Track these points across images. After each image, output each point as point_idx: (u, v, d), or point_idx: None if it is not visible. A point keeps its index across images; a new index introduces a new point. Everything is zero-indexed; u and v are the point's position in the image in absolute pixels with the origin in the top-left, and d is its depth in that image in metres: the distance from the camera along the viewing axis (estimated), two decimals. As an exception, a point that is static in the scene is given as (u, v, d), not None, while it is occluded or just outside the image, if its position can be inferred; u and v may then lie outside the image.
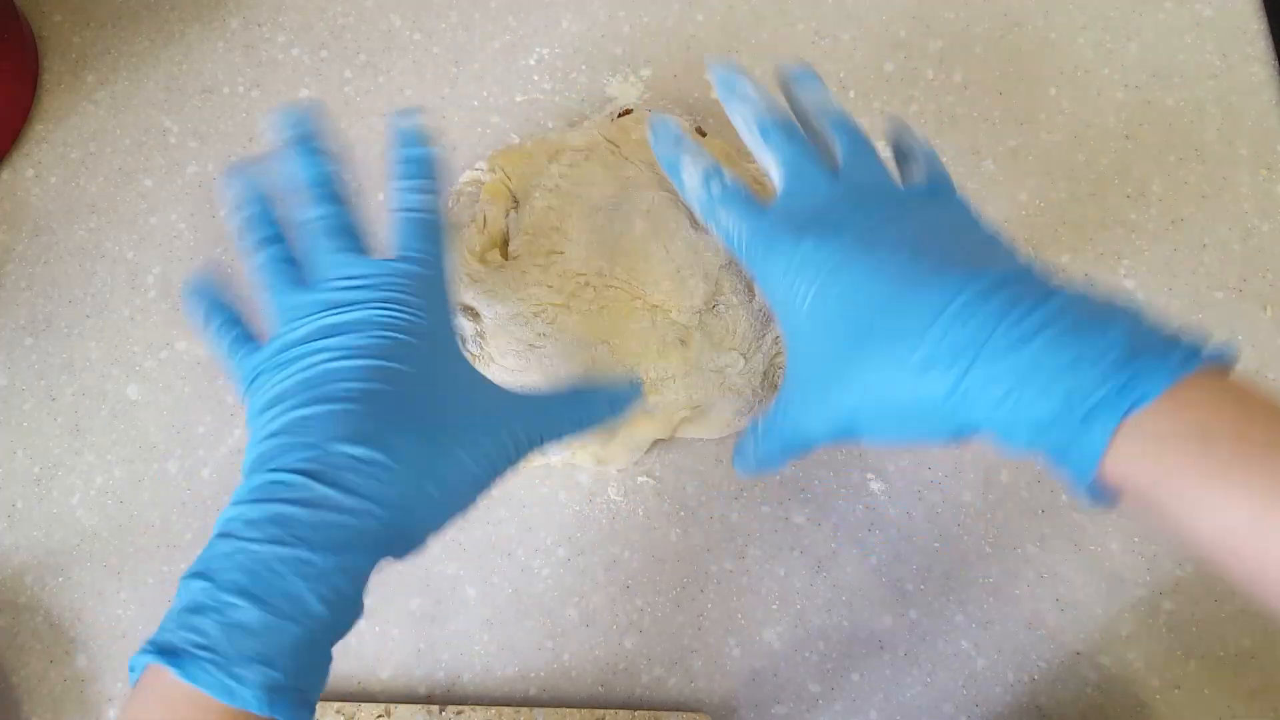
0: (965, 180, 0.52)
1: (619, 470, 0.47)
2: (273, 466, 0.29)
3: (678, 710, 0.45)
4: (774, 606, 0.46)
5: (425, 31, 0.56)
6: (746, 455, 0.37)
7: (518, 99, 0.55)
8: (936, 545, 0.47)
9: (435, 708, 0.44)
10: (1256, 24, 0.55)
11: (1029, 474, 0.47)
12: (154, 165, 0.54)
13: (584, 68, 0.55)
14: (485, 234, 0.47)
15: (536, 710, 0.44)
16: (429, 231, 0.36)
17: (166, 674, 0.26)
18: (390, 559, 0.31)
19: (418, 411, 0.31)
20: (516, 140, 0.54)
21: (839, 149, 0.36)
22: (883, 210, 0.33)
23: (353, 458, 0.29)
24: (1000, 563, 0.46)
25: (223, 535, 0.29)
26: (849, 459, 0.48)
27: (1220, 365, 0.27)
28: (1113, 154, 0.52)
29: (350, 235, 0.36)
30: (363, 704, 0.44)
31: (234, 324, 0.36)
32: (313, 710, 0.29)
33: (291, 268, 0.36)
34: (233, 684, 0.26)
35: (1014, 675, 0.45)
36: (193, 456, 0.49)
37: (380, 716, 0.44)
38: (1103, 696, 0.44)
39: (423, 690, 0.46)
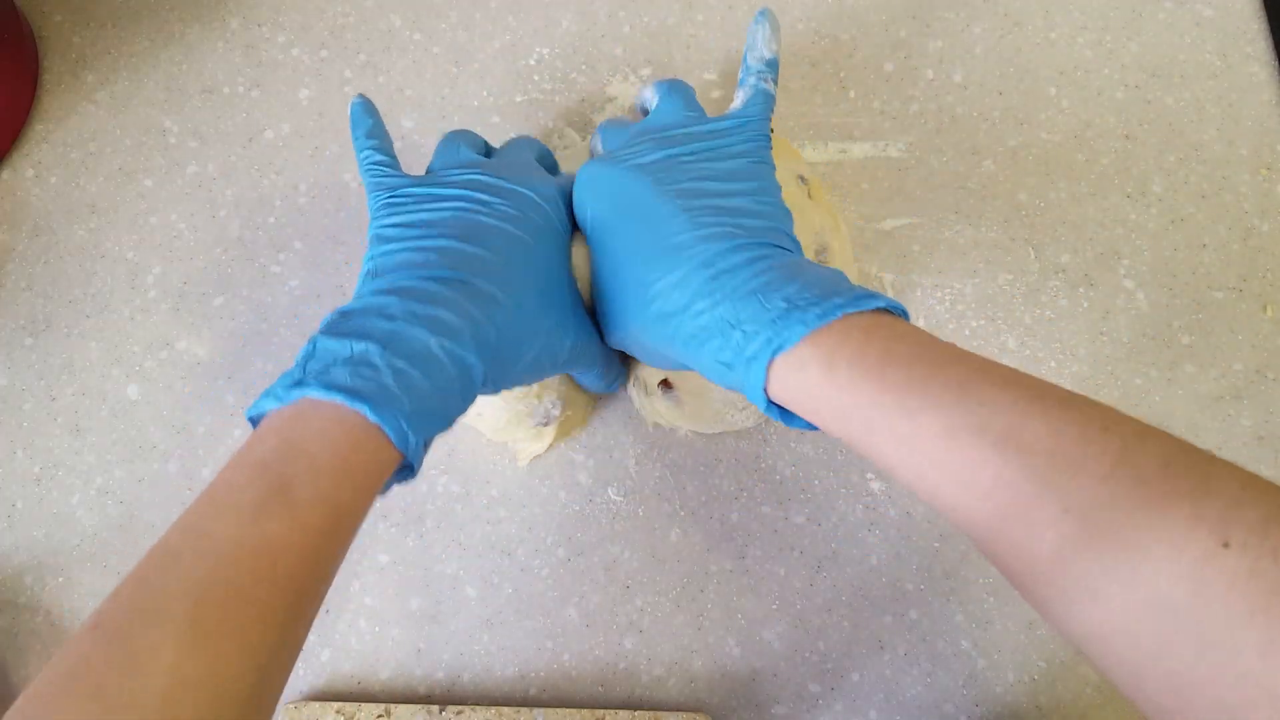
0: (965, 180, 0.52)
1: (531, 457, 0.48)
2: (423, 276, 0.35)
3: (678, 710, 0.45)
4: (774, 606, 0.46)
5: (425, 31, 0.56)
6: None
7: (518, 99, 0.55)
8: (936, 545, 0.47)
9: (435, 708, 0.44)
10: (1256, 24, 0.55)
11: (1029, 474, 0.47)
12: (154, 165, 0.54)
13: (584, 68, 0.55)
14: None
15: (536, 710, 0.44)
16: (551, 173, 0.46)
17: (334, 406, 0.30)
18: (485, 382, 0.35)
19: (539, 277, 0.38)
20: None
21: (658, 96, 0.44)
22: (658, 151, 0.39)
23: (490, 295, 0.35)
24: (1000, 563, 0.46)
25: (370, 282, 0.35)
26: (849, 459, 0.48)
27: (878, 314, 0.32)
28: (1113, 154, 0.52)
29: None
30: (363, 704, 0.44)
31: (383, 149, 0.42)
32: (421, 460, 0.33)
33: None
34: (409, 434, 0.30)
35: (1014, 675, 0.45)
36: (193, 456, 0.49)
37: (380, 716, 0.44)
38: (1103, 696, 0.44)
39: (423, 690, 0.46)
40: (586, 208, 0.40)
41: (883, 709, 0.45)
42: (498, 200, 0.38)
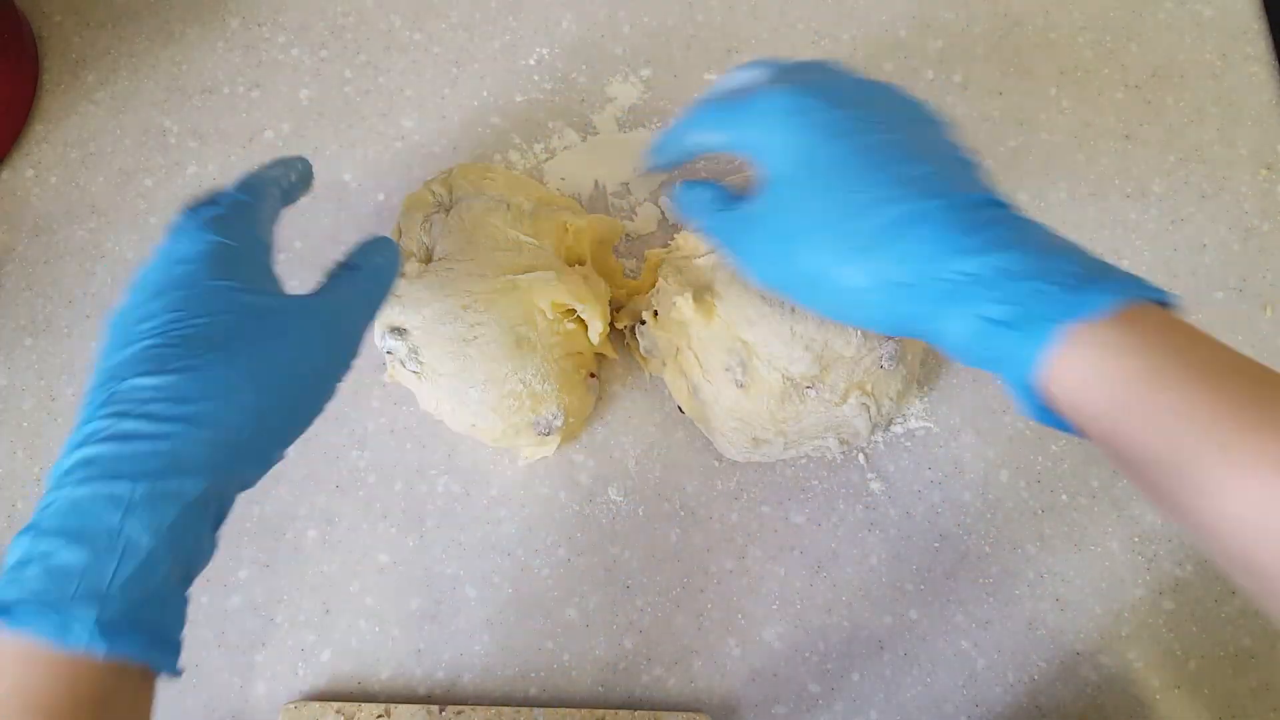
0: (965, 180, 0.52)
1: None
2: (82, 420, 0.29)
3: (678, 710, 0.45)
4: (774, 606, 0.46)
5: (425, 32, 0.56)
6: (692, 209, 0.38)
7: (518, 99, 0.55)
8: (936, 545, 0.47)
9: (435, 708, 0.44)
10: (1256, 24, 0.55)
11: (1029, 474, 0.47)
12: (154, 165, 0.54)
13: (584, 68, 0.55)
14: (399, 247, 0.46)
15: (536, 710, 0.44)
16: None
17: (3, 634, 0.26)
18: (242, 482, 0.31)
19: (222, 331, 0.30)
20: (517, 140, 0.54)
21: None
22: (867, 90, 0.35)
23: (150, 388, 0.28)
24: (1000, 563, 0.46)
25: (48, 491, 0.28)
26: (849, 459, 0.48)
27: (1167, 306, 0.28)
28: (1112, 154, 0.52)
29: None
30: (363, 704, 0.44)
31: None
32: (177, 650, 0.28)
33: None
34: (65, 623, 0.25)
35: (1014, 675, 0.45)
36: (193, 456, 0.49)
37: (380, 716, 0.44)
38: (1103, 696, 0.44)
39: (423, 690, 0.46)
40: (774, 133, 0.33)
41: (883, 709, 0.45)
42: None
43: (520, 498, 0.48)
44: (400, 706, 0.44)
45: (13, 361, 0.51)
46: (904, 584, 0.46)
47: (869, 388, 0.43)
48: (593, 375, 0.48)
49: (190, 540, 0.28)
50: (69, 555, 0.26)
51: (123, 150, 0.54)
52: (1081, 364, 0.27)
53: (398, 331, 0.44)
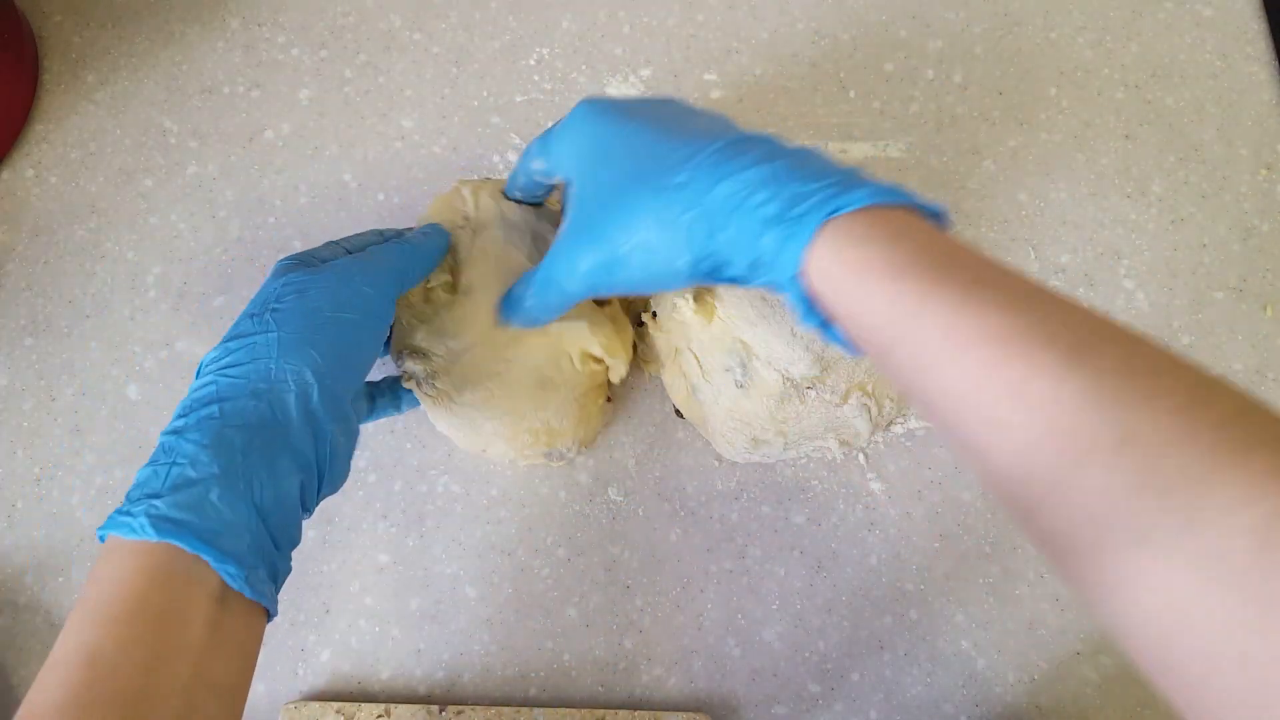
0: (965, 180, 0.52)
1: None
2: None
3: (678, 710, 0.45)
4: (774, 606, 0.46)
5: (425, 32, 0.56)
6: (520, 305, 0.40)
7: (518, 99, 0.55)
8: (936, 545, 0.47)
9: (435, 708, 0.44)
10: (1256, 24, 0.55)
11: (1029, 474, 0.47)
12: (154, 165, 0.54)
13: (584, 68, 0.55)
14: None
15: (536, 710, 0.44)
16: None
17: (109, 544, 0.31)
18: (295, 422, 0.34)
19: (249, 318, 0.36)
20: (517, 140, 0.54)
21: None
22: (634, 103, 0.38)
23: (210, 364, 0.35)
24: (1000, 563, 0.46)
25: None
26: (849, 459, 0.48)
27: (935, 218, 0.30)
28: (1112, 154, 0.52)
29: None
30: (363, 704, 0.44)
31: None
32: (228, 554, 0.31)
33: None
34: (129, 520, 0.30)
35: (1014, 675, 0.45)
36: (193, 456, 0.49)
37: (380, 716, 0.44)
38: (1103, 696, 0.44)
39: (423, 690, 0.46)
40: (585, 128, 0.37)
41: (882, 709, 0.45)
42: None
43: (520, 498, 0.48)
44: (400, 706, 0.44)
45: (13, 361, 0.51)
46: (904, 584, 0.46)
47: (870, 388, 0.43)
48: (609, 399, 0.48)
49: (247, 465, 0.32)
50: (142, 474, 0.32)
51: (123, 150, 0.54)
52: (829, 256, 0.29)
53: (419, 354, 0.43)
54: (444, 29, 0.56)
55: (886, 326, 0.27)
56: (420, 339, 0.42)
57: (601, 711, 0.44)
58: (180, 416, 0.34)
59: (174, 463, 0.32)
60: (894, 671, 0.45)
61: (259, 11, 0.57)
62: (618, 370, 0.44)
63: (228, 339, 0.35)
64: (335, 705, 0.44)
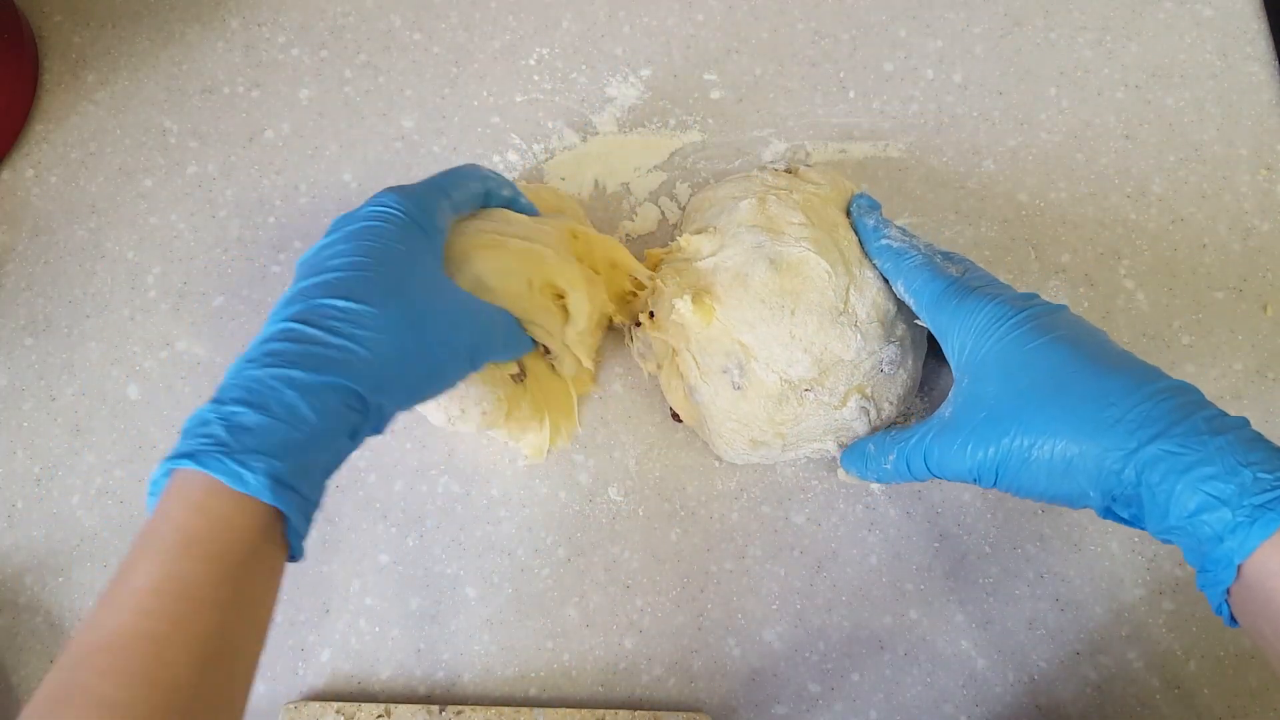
0: (965, 180, 0.52)
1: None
2: (269, 323, 0.34)
3: (678, 710, 0.45)
4: (774, 606, 0.46)
5: (425, 31, 0.56)
6: (866, 462, 0.42)
7: (518, 99, 0.55)
8: (936, 545, 0.47)
9: (435, 708, 0.44)
10: (1256, 24, 0.55)
11: (1029, 474, 0.47)
12: (154, 165, 0.54)
13: (584, 68, 0.55)
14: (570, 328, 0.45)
15: (537, 710, 0.44)
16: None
17: (184, 475, 0.30)
18: (380, 414, 0.34)
19: (396, 283, 0.35)
20: (517, 140, 0.54)
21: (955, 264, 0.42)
22: (1045, 306, 0.38)
23: (335, 308, 0.34)
24: (1000, 563, 0.46)
25: (228, 376, 0.33)
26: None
27: None
28: (1112, 154, 0.52)
29: None
30: (363, 704, 0.44)
31: None
32: (308, 525, 0.32)
33: None
34: (242, 471, 0.29)
35: (1014, 675, 0.45)
36: (193, 456, 0.49)
37: (380, 716, 0.44)
38: (1103, 696, 0.44)
39: (423, 690, 0.46)
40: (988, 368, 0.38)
41: (882, 709, 0.45)
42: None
43: (520, 498, 0.48)
44: (400, 706, 0.44)
45: (13, 361, 0.51)
46: (904, 584, 0.46)
47: (869, 391, 0.43)
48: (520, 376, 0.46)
49: (339, 436, 0.33)
50: (249, 418, 0.31)
51: (122, 150, 0.54)
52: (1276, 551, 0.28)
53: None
54: (444, 29, 0.56)
55: None
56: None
57: (601, 712, 0.44)
58: (302, 370, 0.32)
59: (294, 425, 0.31)
60: (894, 671, 0.45)
61: (259, 11, 0.57)
62: (580, 306, 0.43)
63: (358, 297, 0.34)
64: (335, 705, 0.44)
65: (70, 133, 0.55)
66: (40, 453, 0.49)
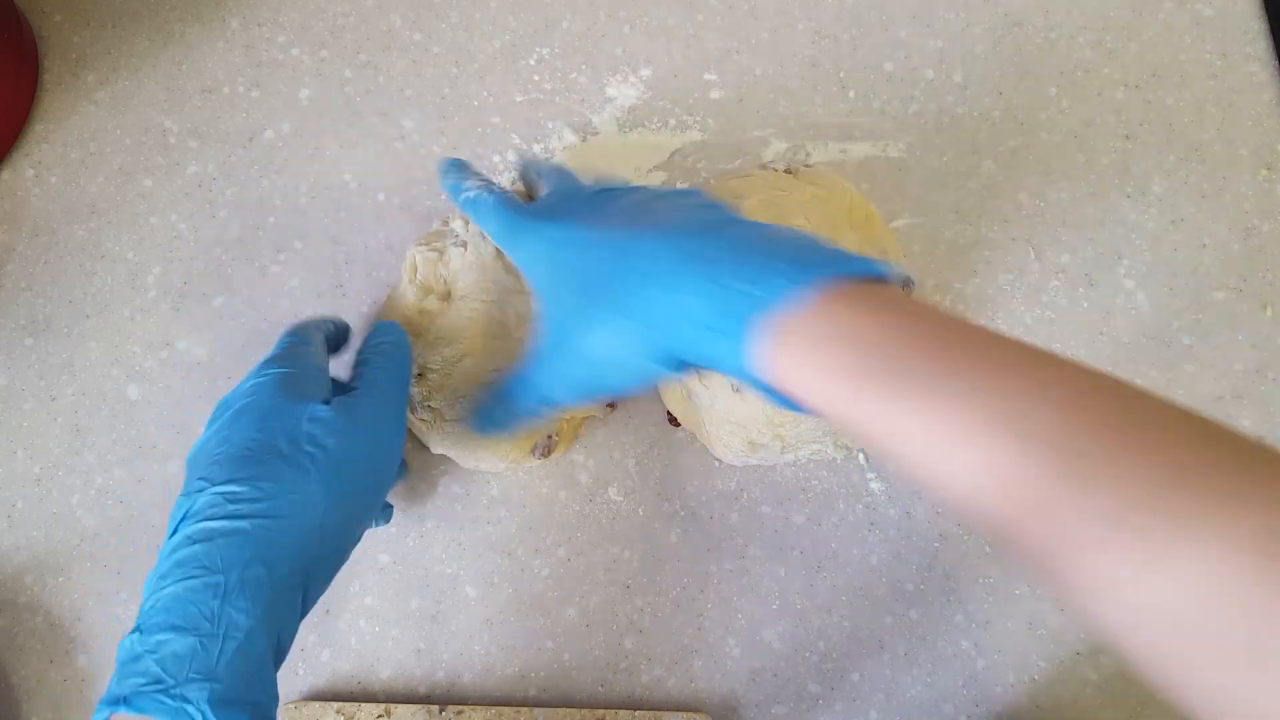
0: (966, 180, 0.52)
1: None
2: (170, 533, 0.33)
3: (678, 710, 0.45)
4: (774, 606, 0.46)
5: (425, 31, 0.56)
6: (496, 415, 0.40)
7: (518, 99, 0.55)
8: (936, 545, 0.47)
9: (435, 707, 0.44)
10: (1256, 24, 0.55)
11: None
12: (154, 165, 0.54)
13: (584, 68, 0.55)
14: (415, 283, 0.45)
15: (537, 710, 0.44)
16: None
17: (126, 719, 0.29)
18: (322, 570, 0.34)
19: (288, 447, 0.34)
20: (517, 140, 0.54)
21: (544, 182, 0.43)
22: (588, 198, 0.38)
23: (232, 493, 0.33)
24: (1000, 563, 0.46)
25: (145, 598, 0.32)
26: (848, 460, 0.48)
27: (882, 281, 0.30)
28: (1113, 154, 0.52)
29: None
30: (363, 704, 0.44)
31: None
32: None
33: None
34: (184, 705, 0.28)
35: (1014, 675, 0.45)
36: (193, 456, 0.49)
37: (380, 716, 0.44)
38: (1103, 696, 0.44)
39: (423, 690, 0.46)
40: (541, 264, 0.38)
41: (883, 709, 0.45)
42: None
43: (520, 498, 0.48)
44: (400, 706, 0.44)
45: (13, 361, 0.51)
46: (904, 584, 0.46)
47: None
48: (612, 406, 0.48)
49: (280, 622, 0.32)
50: (178, 644, 0.29)
51: (122, 150, 0.54)
52: (775, 356, 0.29)
53: (417, 375, 0.43)
54: (444, 29, 0.56)
55: (848, 426, 0.28)
56: (417, 354, 0.43)
57: (601, 711, 0.44)
58: (218, 571, 0.31)
59: (226, 635, 0.30)
60: (894, 671, 0.45)
61: (259, 11, 0.57)
62: None
63: (253, 477, 0.33)
64: (335, 705, 0.44)
65: (70, 133, 0.55)
66: (40, 453, 0.49)
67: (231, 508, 0.32)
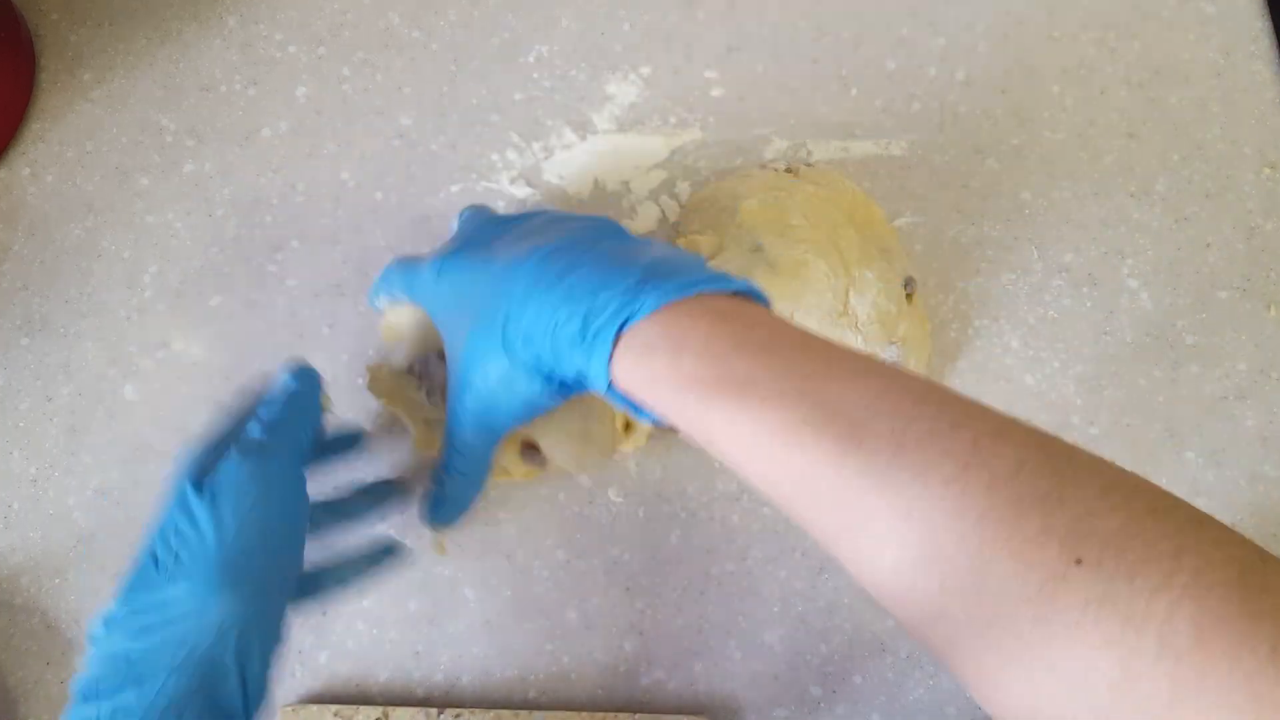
0: (968, 178, 0.52)
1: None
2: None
3: (679, 713, 0.44)
4: (775, 609, 0.46)
5: (424, 29, 0.56)
6: (438, 499, 0.40)
7: (516, 97, 0.54)
8: (939, 546, 0.46)
9: (434, 710, 0.44)
10: (1260, 21, 0.54)
11: (1032, 475, 0.47)
12: (151, 164, 0.54)
13: (583, 66, 0.55)
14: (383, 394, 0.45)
15: (536, 713, 0.44)
16: None
17: None
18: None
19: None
20: (516, 139, 0.53)
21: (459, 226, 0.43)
22: (480, 228, 0.39)
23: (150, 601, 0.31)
24: (1003, 564, 0.46)
25: None
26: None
27: (736, 298, 0.31)
28: (1116, 152, 0.52)
29: None
30: (361, 706, 0.44)
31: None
32: None
33: None
34: None
35: (1017, 677, 0.45)
36: (190, 457, 0.49)
37: (378, 719, 0.44)
38: (1106, 699, 0.44)
39: (421, 693, 0.45)
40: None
41: (885, 712, 0.44)
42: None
43: (519, 499, 0.48)
44: (398, 709, 0.44)
45: (9, 361, 0.51)
46: (906, 585, 0.46)
47: None
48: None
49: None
50: None
51: (119, 148, 0.54)
52: (624, 370, 0.30)
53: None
54: (442, 26, 0.56)
55: (689, 431, 0.29)
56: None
57: (601, 714, 0.44)
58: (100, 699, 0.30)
59: None
60: (896, 674, 0.45)
61: (256, 9, 0.57)
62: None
63: (131, 594, 0.31)
64: (333, 708, 0.44)
65: (67, 131, 0.55)
66: (36, 453, 0.49)
67: (145, 618, 0.31)
